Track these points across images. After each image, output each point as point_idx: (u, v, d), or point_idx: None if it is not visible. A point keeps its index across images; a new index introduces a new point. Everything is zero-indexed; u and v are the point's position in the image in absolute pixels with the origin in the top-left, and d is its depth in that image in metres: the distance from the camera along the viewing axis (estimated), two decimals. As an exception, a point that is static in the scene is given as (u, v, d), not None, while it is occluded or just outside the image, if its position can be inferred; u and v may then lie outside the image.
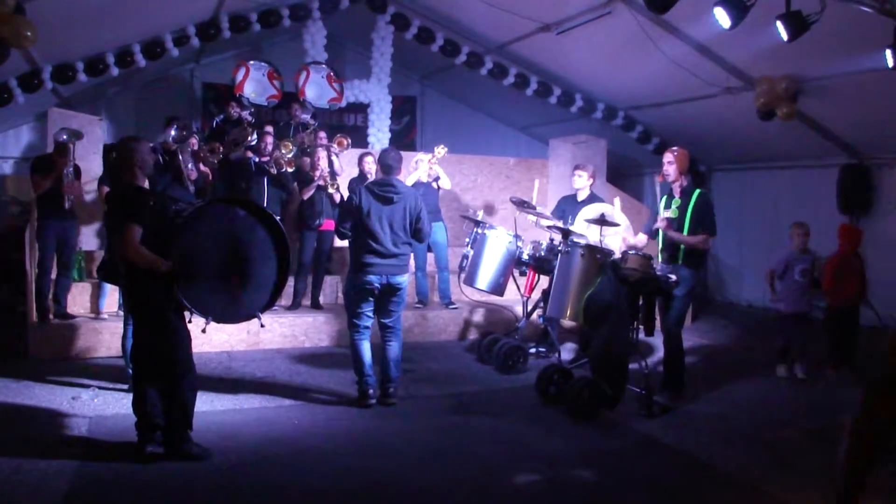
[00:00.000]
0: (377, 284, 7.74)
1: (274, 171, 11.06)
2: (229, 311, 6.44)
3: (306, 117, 13.13)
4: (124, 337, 7.93)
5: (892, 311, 10.74)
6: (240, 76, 13.82)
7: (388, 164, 7.94)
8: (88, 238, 10.96)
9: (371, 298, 7.87)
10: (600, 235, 8.19)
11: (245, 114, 12.69)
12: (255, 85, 13.90)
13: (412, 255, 9.72)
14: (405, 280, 7.98)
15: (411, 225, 7.90)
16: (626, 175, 17.17)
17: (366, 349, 7.92)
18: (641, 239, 8.68)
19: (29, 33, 8.88)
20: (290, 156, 11.49)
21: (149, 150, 6.37)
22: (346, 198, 9.14)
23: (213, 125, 13.13)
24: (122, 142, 6.44)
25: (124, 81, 14.66)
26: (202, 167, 10.88)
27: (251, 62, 14.10)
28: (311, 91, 13.98)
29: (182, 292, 6.03)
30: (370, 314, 7.95)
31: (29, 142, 14.63)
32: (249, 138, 11.40)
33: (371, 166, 11.23)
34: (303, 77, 13.94)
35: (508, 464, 6.42)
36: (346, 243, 11.48)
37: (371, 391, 7.89)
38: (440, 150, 11.09)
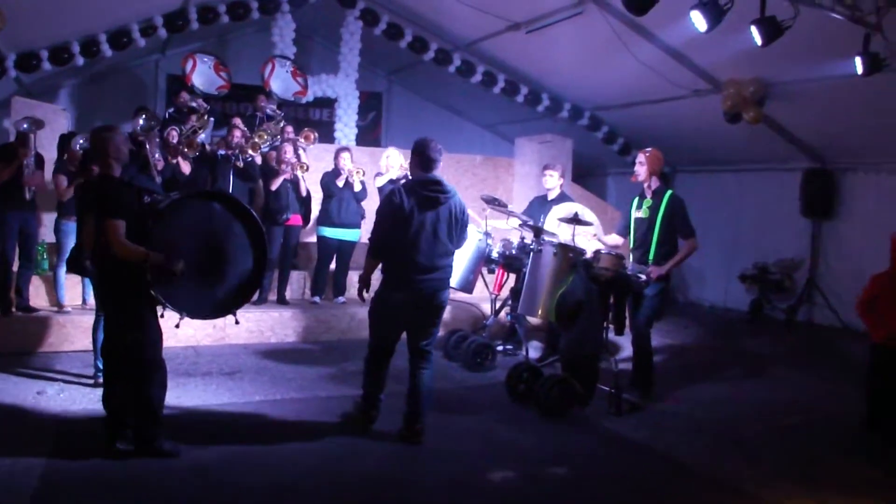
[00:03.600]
0: (416, 303, 6.54)
1: (240, 163, 10.95)
2: (204, 307, 6.36)
3: (272, 108, 13.03)
4: (95, 330, 7.78)
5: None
6: (188, 67, 13.74)
7: (431, 158, 6.59)
8: (47, 230, 10.81)
9: (404, 320, 6.68)
10: (572, 234, 8.21)
11: (199, 103, 12.52)
12: (202, 77, 13.82)
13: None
14: (447, 297, 6.84)
15: (457, 231, 6.70)
16: (590, 174, 17.32)
17: (386, 373, 6.92)
18: (617, 240, 8.72)
19: (-3, 20, 8.81)
20: (265, 147, 11.39)
21: (124, 140, 6.23)
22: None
23: (166, 116, 12.93)
24: (95, 131, 6.27)
25: (88, 71, 14.52)
26: (180, 160, 10.73)
27: (197, 54, 14.02)
28: (277, 84, 13.96)
29: (156, 286, 5.92)
30: (398, 338, 6.83)
31: None
32: (206, 127, 11.31)
33: (347, 163, 11.22)
34: (268, 69, 13.90)
35: (484, 461, 6.42)
36: (313, 238, 11.57)
37: (375, 416, 6.90)
38: None
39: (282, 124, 12.44)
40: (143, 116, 10.05)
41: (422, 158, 6.62)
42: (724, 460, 6.64)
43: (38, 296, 10.16)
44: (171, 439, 6.24)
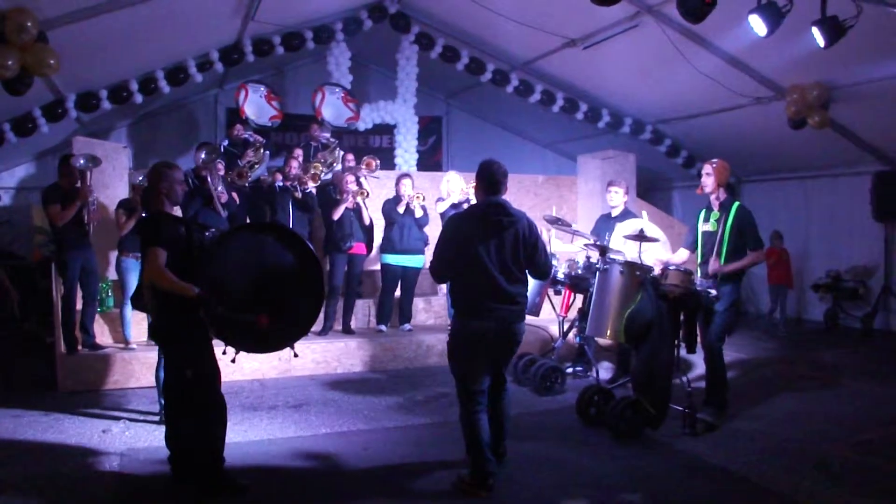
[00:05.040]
0: (495, 333, 6.12)
1: (298, 193, 10.95)
2: (260, 341, 6.24)
3: (326, 136, 13.04)
4: (158, 367, 7.74)
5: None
6: (241, 98, 13.85)
7: (495, 181, 6.28)
8: (111, 267, 10.87)
9: (486, 354, 6.18)
10: (639, 251, 8.03)
11: (255, 137, 12.52)
12: (254, 107, 13.89)
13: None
14: (523, 328, 6.42)
15: (527, 257, 6.26)
16: (655, 189, 17.09)
17: (485, 425, 6.20)
18: (683, 255, 8.52)
19: (52, 61, 8.94)
20: (323, 176, 11.38)
21: (179, 177, 6.20)
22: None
23: (221, 149, 12.96)
24: (153, 167, 6.28)
25: (146, 108, 14.66)
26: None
27: (249, 84, 14.12)
28: (329, 112, 13.96)
29: (210, 322, 5.85)
30: (487, 376, 6.27)
31: (27, 173, 14.85)
32: (263, 161, 11.33)
33: (407, 189, 11.22)
34: (318, 98, 13.93)
35: (556, 489, 6.24)
36: (377, 266, 11.50)
37: (491, 479, 6.10)
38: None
39: (337, 152, 12.42)
40: (205, 150, 10.09)
41: (486, 182, 6.31)
42: (805, 481, 6.36)
43: (103, 333, 10.24)
44: (235, 475, 6.19)
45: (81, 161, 9.42)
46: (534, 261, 6.32)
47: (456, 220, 6.38)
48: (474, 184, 6.51)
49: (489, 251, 6.08)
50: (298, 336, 6.33)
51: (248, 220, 10.95)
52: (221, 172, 10.82)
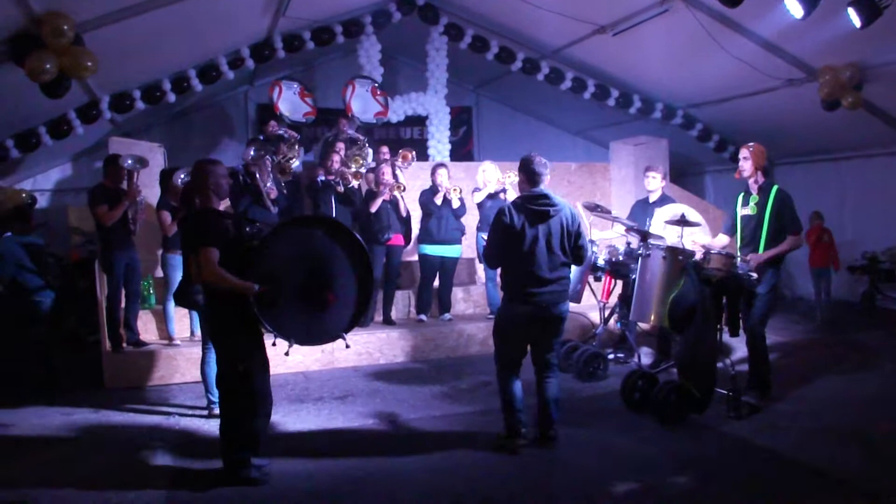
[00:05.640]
0: (537, 316, 6.68)
1: (341, 188, 11.01)
2: (313, 333, 6.36)
3: (352, 131, 13.10)
4: (203, 363, 7.83)
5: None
6: (275, 95, 13.90)
7: (536, 172, 6.70)
8: (153, 264, 10.93)
9: (527, 334, 6.82)
10: (679, 236, 8.05)
11: (289, 132, 12.56)
12: (288, 104, 13.94)
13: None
14: (567, 308, 6.93)
15: (570, 243, 6.76)
16: (687, 173, 17.04)
17: (518, 386, 6.84)
18: (724, 240, 8.54)
19: (90, 63, 8.97)
20: (362, 171, 11.42)
21: (223, 171, 6.28)
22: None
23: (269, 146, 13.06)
24: (197, 164, 6.35)
25: (178, 106, 14.72)
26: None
27: (283, 81, 14.17)
28: (357, 105, 13.97)
29: (263, 316, 5.95)
30: (524, 352, 6.93)
31: (63, 175, 14.89)
32: (298, 154, 11.36)
33: (444, 179, 11.26)
34: (349, 92, 13.94)
35: (605, 473, 6.29)
36: (415, 256, 11.56)
37: (524, 430, 6.86)
38: (512, 176, 10.82)
39: (366, 148, 12.47)
40: (254, 147, 10.10)
41: (528, 174, 6.75)
42: (851, 462, 6.39)
43: (146, 330, 10.33)
44: (287, 467, 6.32)
45: (129, 161, 9.51)
46: (577, 245, 6.80)
47: (503, 212, 6.73)
48: (516, 175, 7.01)
49: (537, 240, 6.60)
50: (351, 326, 6.45)
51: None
52: (270, 169, 10.89)
